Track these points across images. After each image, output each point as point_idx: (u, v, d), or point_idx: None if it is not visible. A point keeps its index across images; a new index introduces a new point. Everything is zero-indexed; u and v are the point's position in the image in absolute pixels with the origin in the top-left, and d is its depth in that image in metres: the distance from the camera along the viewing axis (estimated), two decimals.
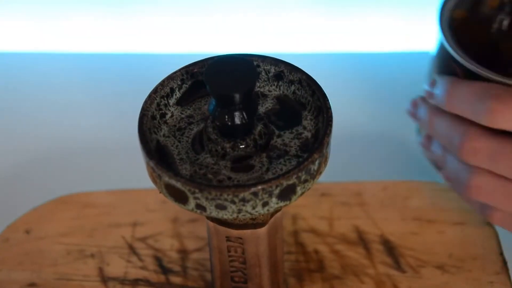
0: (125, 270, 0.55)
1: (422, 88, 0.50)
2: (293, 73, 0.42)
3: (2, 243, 0.57)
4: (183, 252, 0.56)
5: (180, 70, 0.43)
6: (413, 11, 0.78)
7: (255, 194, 0.36)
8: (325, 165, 0.40)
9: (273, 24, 0.81)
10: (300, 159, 0.39)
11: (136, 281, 0.55)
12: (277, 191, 0.37)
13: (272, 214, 0.43)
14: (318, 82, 0.42)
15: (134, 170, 0.54)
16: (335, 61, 0.78)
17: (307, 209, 0.59)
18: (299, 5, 0.81)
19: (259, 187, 0.36)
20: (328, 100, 0.41)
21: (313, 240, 0.57)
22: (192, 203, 0.38)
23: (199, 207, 0.38)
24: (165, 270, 0.55)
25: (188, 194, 0.37)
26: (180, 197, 0.38)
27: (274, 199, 0.37)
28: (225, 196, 0.36)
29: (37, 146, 0.69)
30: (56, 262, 0.56)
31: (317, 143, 0.38)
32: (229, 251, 0.44)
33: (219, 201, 0.37)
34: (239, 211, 0.37)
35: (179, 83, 0.43)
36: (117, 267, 0.56)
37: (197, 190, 0.37)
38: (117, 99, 0.74)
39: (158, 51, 0.80)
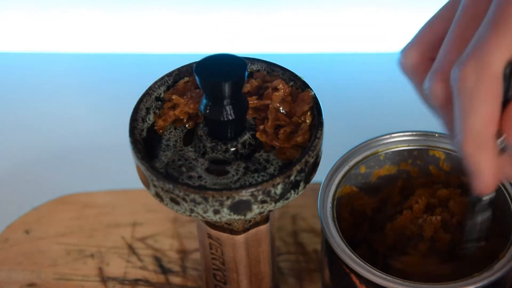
0: (124, 270, 0.55)
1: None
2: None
3: (2, 243, 0.57)
4: (183, 252, 0.56)
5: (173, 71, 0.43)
6: (411, 10, 0.78)
7: (205, 198, 0.36)
8: (298, 191, 0.38)
9: (271, 24, 0.81)
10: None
11: (135, 281, 0.55)
12: (228, 203, 0.36)
13: (252, 225, 0.42)
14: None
15: (134, 170, 0.54)
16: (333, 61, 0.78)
17: (307, 209, 0.58)
18: (297, 5, 0.81)
19: (209, 192, 0.36)
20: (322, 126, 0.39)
21: (313, 240, 0.57)
22: (152, 190, 0.38)
23: (158, 195, 0.38)
24: (164, 270, 0.55)
25: (149, 180, 0.38)
26: (144, 181, 0.39)
27: (225, 210, 0.37)
28: (177, 192, 0.37)
29: (37, 146, 0.69)
30: (55, 262, 0.56)
31: (286, 168, 0.37)
32: (211, 248, 0.44)
33: (172, 195, 0.37)
34: (191, 210, 0.37)
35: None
36: (116, 267, 0.56)
37: (154, 179, 0.37)
38: (117, 99, 0.73)
39: (158, 52, 0.80)
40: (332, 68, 0.77)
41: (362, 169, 0.46)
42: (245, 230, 0.42)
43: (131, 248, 0.57)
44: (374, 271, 0.39)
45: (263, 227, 0.43)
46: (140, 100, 0.41)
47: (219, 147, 0.39)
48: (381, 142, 0.46)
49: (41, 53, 0.81)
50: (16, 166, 0.67)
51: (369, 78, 0.75)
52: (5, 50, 0.82)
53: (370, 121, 0.70)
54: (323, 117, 0.40)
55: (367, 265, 0.39)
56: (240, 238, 0.42)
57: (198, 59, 0.43)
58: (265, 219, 0.43)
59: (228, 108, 0.38)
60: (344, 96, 0.73)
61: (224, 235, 0.42)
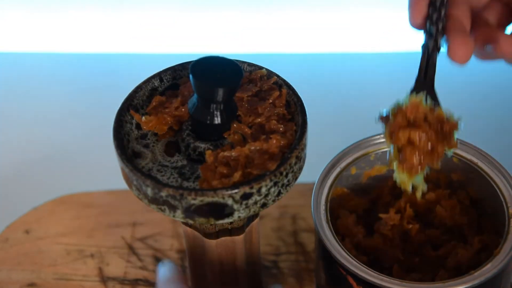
0: (124, 270, 0.55)
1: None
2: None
3: (2, 243, 0.57)
4: (183, 252, 0.56)
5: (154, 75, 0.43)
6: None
7: (173, 197, 0.36)
8: (252, 210, 0.36)
9: (271, 24, 0.81)
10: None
11: (135, 281, 0.55)
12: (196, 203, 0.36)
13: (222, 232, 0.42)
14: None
15: None
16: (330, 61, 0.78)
17: (307, 209, 0.58)
18: (298, 5, 0.81)
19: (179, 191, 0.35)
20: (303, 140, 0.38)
21: (313, 240, 0.57)
22: (133, 189, 0.39)
23: (137, 189, 0.38)
24: None
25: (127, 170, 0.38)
26: (126, 178, 0.40)
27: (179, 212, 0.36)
28: (147, 183, 0.37)
29: (37, 146, 0.69)
30: (55, 262, 0.56)
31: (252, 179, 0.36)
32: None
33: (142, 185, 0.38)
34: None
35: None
36: (116, 267, 0.56)
37: (134, 171, 0.37)
38: (117, 98, 0.73)
39: (158, 52, 0.80)
40: (331, 68, 0.77)
41: (353, 171, 0.46)
42: (217, 236, 0.41)
43: (131, 248, 0.57)
44: (372, 273, 0.39)
45: (236, 238, 0.41)
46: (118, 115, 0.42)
47: (198, 146, 0.39)
48: (372, 143, 0.46)
49: (41, 53, 0.81)
50: (16, 166, 0.67)
51: (368, 78, 0.75)
52: (5, 50, 0.82)
53: (366, 122, 0.70)
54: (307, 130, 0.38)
55: (364, 267, 0.39)
56: (212, 242, 0.41)
57: (186, 60, 0.43)
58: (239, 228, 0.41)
59: (216, 112, 0.37)
60: (343, 96, 0.73)
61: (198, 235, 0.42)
